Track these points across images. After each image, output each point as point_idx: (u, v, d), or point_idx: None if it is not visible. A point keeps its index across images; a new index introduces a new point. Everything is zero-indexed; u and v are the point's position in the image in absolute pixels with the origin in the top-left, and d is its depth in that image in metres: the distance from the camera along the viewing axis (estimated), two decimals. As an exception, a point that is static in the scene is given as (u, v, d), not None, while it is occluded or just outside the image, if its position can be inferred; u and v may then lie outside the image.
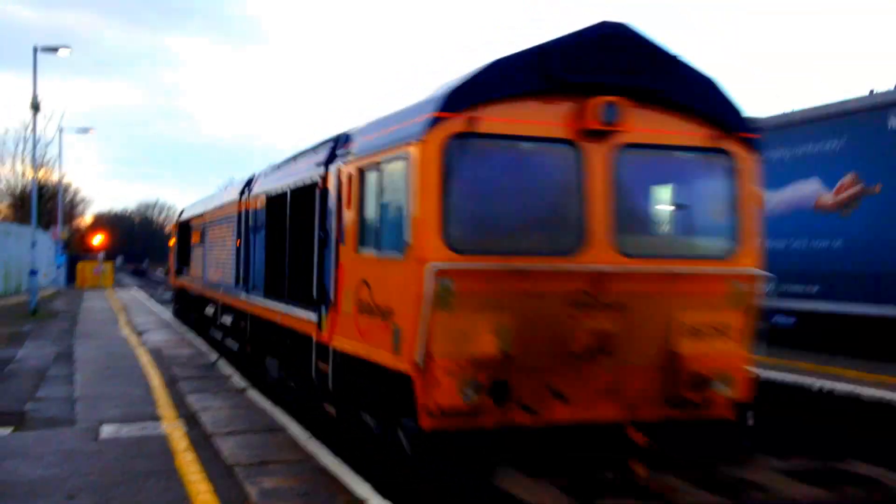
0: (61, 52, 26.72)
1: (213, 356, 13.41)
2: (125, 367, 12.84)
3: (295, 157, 10.52)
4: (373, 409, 7.21)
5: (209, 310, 16.86)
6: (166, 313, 23.24)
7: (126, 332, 18.82)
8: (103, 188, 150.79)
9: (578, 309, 6.12)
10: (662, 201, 7.03)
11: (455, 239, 5.97)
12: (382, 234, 6.88)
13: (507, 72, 6.14)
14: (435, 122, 5.97)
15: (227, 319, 14.61)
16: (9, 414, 9.19)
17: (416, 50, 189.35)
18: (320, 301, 8.23)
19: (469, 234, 6.11)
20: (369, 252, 7.06)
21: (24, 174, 47.53)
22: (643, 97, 6.35)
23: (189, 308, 20.76)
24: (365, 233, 7.21)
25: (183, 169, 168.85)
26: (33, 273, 25.85)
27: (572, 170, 6.24)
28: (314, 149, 9.48)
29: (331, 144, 8.52)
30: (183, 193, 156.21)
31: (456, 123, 5.98)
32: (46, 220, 43.65)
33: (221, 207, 15.29)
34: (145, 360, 13.75)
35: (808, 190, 13.04)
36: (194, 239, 19.20)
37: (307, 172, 9.14)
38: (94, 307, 27.92)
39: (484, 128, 6.04)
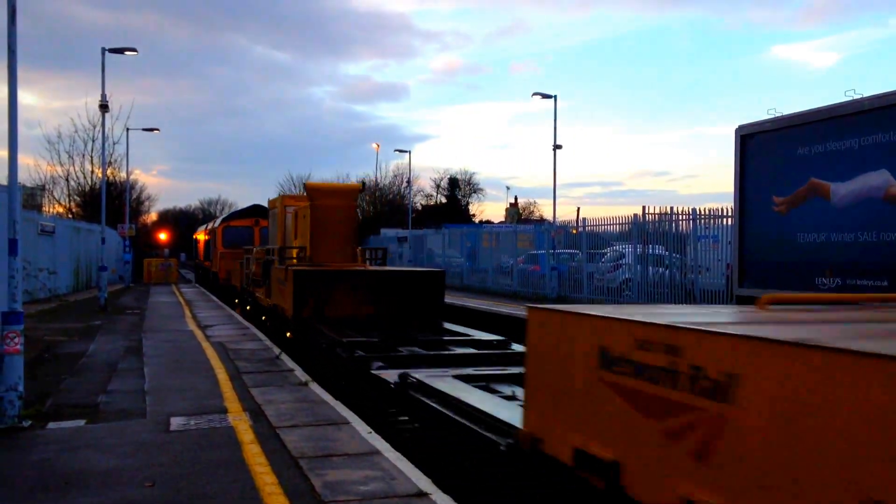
0: (128, 53, 27.28)
1: (276, 350, 14.24)
2: (192, 361, 12.89)
3: (223, 218, 36.82)
4: (217, 281, 33.45)
5: (200, 271, 43.67)
6: (227, 308, 25.35)
7: (192, 326, 19.13)
8: (168, 186, 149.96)
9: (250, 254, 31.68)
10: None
11: (225, 244, 32.00)
12: (216, 244, 33.00)
13: (237, 213, 32.55)
14: (221, 223, 32.38)
15: (203, 272, 41.29)
16: (82, 406, 9.34)
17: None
18: (212, 260, 34.52)
19: (228, 244, 32.03)
20: (215, 248, 33.08)
21: (92, 172, 46.76)
22: (264, 217, 32.02)
23: (199, 272, 47.69)
24: (217, 243, 33.20)
25: (244, 166, 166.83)
26: (103, 269, 26.38)
27: (251, 233, 32.00)
28: (216, 218, 35.98)
29: (215, 220, 35.09)
30: (245, 190, 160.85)
31: (224, 224, 32.31)
32: (114, 218, 43.73)
33: (202, 230, 42.25)
34: (210, 353, 13.83)
35: (877, 181, 11.70)
36: (200, 241, 45.90)
37: (213, 226, 35.39)
38: (160, 302, 28.33)
39: (232, 224, 32.25)
